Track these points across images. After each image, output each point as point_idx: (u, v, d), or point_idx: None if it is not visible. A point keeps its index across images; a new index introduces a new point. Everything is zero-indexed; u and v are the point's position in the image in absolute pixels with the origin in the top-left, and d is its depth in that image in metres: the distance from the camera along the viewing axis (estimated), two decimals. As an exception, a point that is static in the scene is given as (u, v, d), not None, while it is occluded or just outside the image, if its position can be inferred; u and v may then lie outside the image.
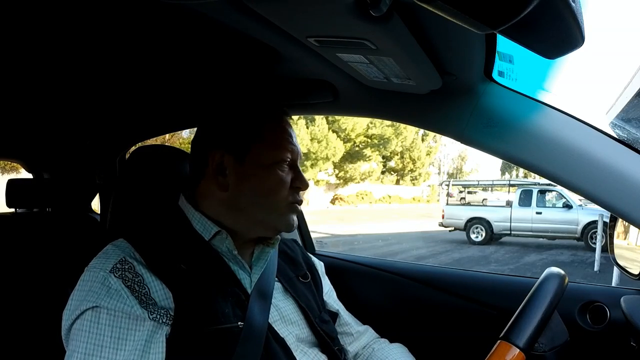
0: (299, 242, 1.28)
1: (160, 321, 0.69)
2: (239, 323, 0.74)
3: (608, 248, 1.09)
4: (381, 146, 22.86)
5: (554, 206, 11.02)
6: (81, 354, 0.64)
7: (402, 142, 24.38)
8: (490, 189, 24.41)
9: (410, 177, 29.45)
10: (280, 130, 0.84)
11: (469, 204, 14.87)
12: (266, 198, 0.81)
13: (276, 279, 0.88)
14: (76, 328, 0.67)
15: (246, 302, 0.78)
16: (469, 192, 18.52)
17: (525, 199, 11.11)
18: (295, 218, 0.85)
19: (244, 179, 0.80)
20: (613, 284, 4.78)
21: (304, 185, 0.85)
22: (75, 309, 0.68)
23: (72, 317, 0.68)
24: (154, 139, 1.65)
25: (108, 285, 0.68)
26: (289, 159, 0.83)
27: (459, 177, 38.78)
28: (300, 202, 0.86)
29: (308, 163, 19.85)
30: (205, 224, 0.81)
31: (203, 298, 0.73)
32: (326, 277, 1.07)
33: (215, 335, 0.71)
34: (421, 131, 23.59)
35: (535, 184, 11.76)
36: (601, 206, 0.77)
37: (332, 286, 1.08)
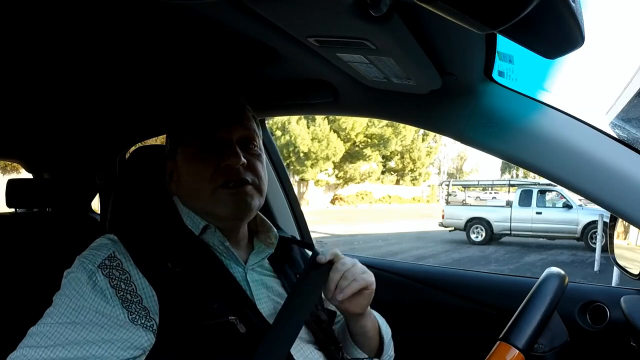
0: (299, 241, 1.28)
1: (139, 322, 0.69)
2: (230, 317, 0.74)
3: (608, 248, 1.09)
4: (381, 146, 22.82)
5: (554, 206, 11.02)
6: (65, 306, 0.69)
7: (402, 141, 24.33)
8: (490, 189, 24.40)
9: (410, 177, 29.43)
10: (201, 120, 0.83)
11: (467, 203, 14.86)
12: (195, 188, 0.82)
13: (275, 275, 0.88)
14: (67, 278, 0.72)
15: (238, 296, 0.78)
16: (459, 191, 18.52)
17: (525, 199, 11.11)
18: (238, 199, 0.80)
19: (180, 177, 0.85)
20: (613, 284, 4.78)
21: (232, 161, 0.78)
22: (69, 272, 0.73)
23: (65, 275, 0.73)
24: (154, 139, 1.65)
25: (95, 280, 0.70)
26: (209, 144, 0.80)
27: (459, 177, 38.78)
28: (236, 181, 0.79)
29: (308, 163, 19.84)
30: (194, 219, 0.82)
31: (190, 295, 0.73)
32: None
33: (206, 331, 0.71)
34: (421, 131, 23.58)
35: (535, 184, 11.76)
36: (601, 206, 0.77)
37: None
